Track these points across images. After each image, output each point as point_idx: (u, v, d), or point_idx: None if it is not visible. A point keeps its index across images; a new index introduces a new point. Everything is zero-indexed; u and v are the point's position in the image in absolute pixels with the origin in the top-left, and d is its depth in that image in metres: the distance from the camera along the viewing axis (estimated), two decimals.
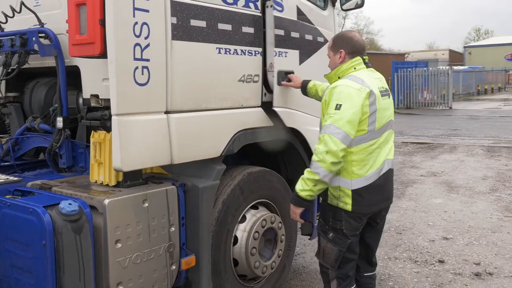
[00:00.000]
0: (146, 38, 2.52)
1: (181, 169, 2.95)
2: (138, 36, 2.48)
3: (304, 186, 2.65)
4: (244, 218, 3.31)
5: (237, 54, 3.08)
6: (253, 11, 3.20)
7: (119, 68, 2.39)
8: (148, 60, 2.55)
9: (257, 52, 3.24)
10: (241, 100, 3.16)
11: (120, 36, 2.39)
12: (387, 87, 2.89)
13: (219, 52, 2.95)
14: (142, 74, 2.52)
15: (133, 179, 2.69)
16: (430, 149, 11.51)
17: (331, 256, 2.81)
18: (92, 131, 2.75)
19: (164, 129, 2.66)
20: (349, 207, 2.72)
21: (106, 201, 2.42)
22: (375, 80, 2.78)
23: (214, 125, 2.97)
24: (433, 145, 11.98)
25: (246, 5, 3.15)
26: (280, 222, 3.54)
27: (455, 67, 31.78)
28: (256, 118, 3.28)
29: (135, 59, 2.47)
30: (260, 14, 3.25)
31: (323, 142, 2.56)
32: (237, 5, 3.07)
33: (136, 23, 2.46)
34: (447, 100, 23.39)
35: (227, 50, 3.00)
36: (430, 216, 6.03)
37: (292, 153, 3.76)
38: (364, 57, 2.84)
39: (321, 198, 2.92)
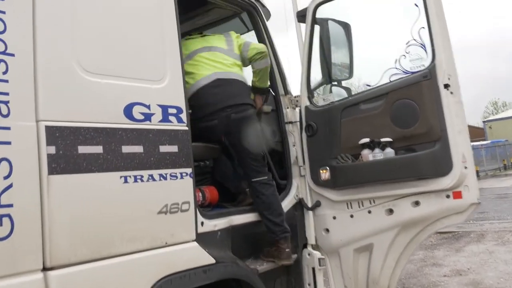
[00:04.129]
0: (6, 178, 1.96)
1: None
2: None
3: None
4: None
5: (154, 180, 2.48)
6: (175, 125, 2.65)
7: None
8: (10, 205, 1.96)
9: (184, 174, 2.64)
10: (163, 236, 2.50)
11: None
12: None
13: (126, 181, 2.36)
14: (1, 225, 1.93)
15: None
16: (454, 239, 10.43)
17: None
18: None
19: None
20: None
21: None
22: None
23: (122, 276, 2.29)
24: (458, 234, 10.89)
25: (165, 120, 2.60)
26: None
27: (474, 143, 30.85)
28: (188, 256, 2.60)
29: None
30: (187, 128, 2.70)
31: None
32: (150, 121, 2.53)
33: None
34: None
35: (138, 177, 2.41)
36: None
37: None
38: None
39: None
